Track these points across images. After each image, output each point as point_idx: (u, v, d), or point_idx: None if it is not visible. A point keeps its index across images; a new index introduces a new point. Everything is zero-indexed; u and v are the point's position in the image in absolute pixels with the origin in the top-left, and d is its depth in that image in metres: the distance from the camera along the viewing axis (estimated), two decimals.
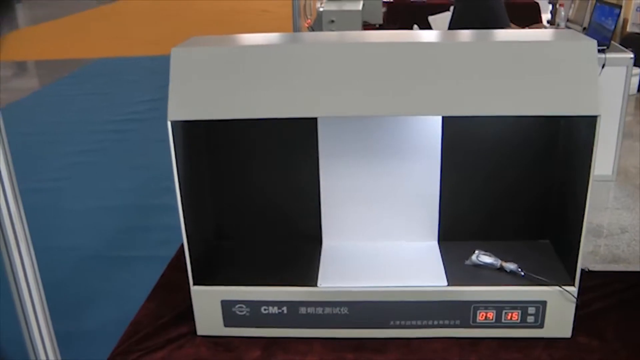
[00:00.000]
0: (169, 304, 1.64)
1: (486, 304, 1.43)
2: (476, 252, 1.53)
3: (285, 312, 1.47)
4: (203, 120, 1.41)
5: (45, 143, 3.70)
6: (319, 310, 1.46)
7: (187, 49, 1.35)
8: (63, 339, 1.39)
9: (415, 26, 3.51)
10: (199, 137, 1.55)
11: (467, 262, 1.52)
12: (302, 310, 1.46)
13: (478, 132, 1.52)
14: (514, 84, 1.28)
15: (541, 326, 1.44)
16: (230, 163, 1.61)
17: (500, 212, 1.60)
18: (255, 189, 1.63)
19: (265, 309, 1.47)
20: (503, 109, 1.28)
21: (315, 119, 1.52)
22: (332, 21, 2.90)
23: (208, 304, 1.48)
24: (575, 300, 1.41)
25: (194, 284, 1.47)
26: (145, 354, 1.47)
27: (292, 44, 1.36)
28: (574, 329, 1.46)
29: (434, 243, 1.62)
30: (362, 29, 5.08)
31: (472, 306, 1.43)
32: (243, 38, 1.45)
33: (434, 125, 1.51)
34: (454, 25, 2.99)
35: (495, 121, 1.46)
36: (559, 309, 1.42)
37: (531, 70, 1.27)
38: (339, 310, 1.45)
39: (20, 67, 7.25)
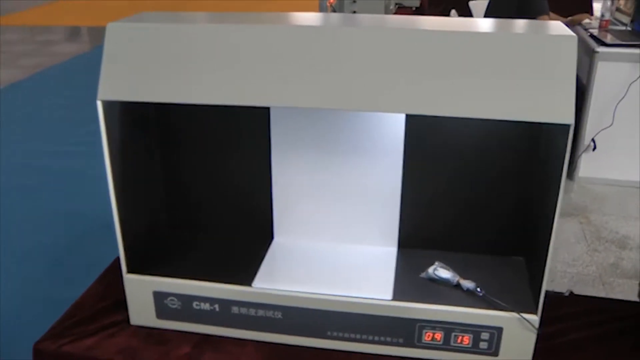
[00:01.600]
0: (115, 288, 1.56)
1: (433, 324, 1.28)
2: (435, 264, 1.37)
3: (217, 309, 1.37)
4: (153, 104, 1.32)
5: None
6: (252, 311, 1.35)
7: (125, 24, 1.25)
8: None
9: (453, 11, 3.30)
10: (147, 120, 1.45)
11: (423, 274, 1.37)
12: (235, 309, 1.36)
13: (445, 132, 1.36)
14: (479, 81, 1.11)
15: (495, 354, 1.28)
16: (183, 150, 1.51)
17: (470, 221, 1.43)
18: (207, 179, 1.53)
19: (197, 305, 1.37)
20: (463, 110, 1.11)
21: (268, 108, 1.39)
22: (354, 1, 2.74)
23: (141, 294, 1.40)
24: (535, 330, 1.24)
25: (127, 271, 1.39)
26: (76, 339, 1.40)
27: (248, 25, 1.22)
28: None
29: (393, 249, 1.47)
30: (394, 11, 4.88)
31: (417, 325, 1.28)
32: (197, 16, 1.33)
33: (396, 123, 1.35)
34: (489, 11, 2.79)
35: (465, 121, 1.29)
36: (517, 337, 1.26)
37: (501, 67, 1.10)
38: (272, 314, 1.34)
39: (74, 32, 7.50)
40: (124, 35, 1.24)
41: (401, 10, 5.32)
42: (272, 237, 1.53)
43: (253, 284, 1.34)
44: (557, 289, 1.51)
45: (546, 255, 1.18)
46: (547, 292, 1.44)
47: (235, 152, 1.48)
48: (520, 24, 1.22)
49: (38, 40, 7.82)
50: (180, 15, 1.34)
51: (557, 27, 1.19)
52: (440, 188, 1.41)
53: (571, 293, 1.52)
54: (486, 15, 3.73)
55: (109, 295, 1.54)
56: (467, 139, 1.36)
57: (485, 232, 1.43)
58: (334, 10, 3.99)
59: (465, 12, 4.38)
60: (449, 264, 1.38)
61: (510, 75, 1.09)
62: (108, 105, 1.26)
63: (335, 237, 1.49)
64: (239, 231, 1.55)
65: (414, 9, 5.19)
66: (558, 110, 1.07)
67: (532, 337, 1.25)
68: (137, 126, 1.41)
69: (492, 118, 1.09)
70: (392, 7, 5.00)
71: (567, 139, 1.07)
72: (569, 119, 1.07)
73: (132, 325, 1.44)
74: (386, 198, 1.42)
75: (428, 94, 1.12)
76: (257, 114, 1.40)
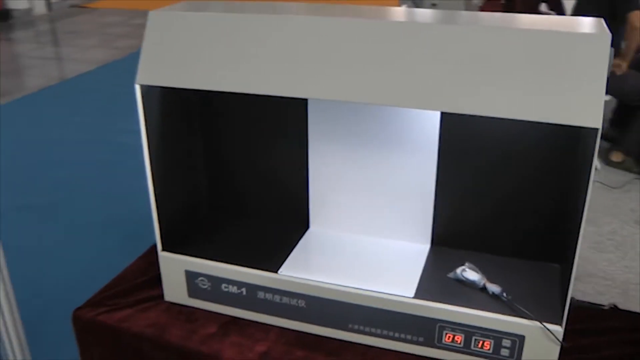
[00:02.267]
0: (156, 265, 1.62)
1: (454, 326, 1.25)
2: (465, 265, 1.34)
3: (244, 293, 1.39)
4: (198, 91, 1.36)
5: None
6: (277, 298, 1.37)
7: (166, 12, 1.29)
8: None
9: (544, 5, 3.19)
10: (190, 105, 1.49)
11: (450, 274, 1.35)
12: (261, 295, 1.38)
13: (480, 131, 1.32)
14: (506, 80, 1.07)
15: None
16: (225, 135, 1.54)
17: (506, 223, 1.39)
18: (247, 166, 1.56)
19: (225, 287, 1.41)
20: (485, 108, 1.08)
21: (306, 99, 1.40)
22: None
23: (174, 272, 1.45)
24: (558, 341, 1.19)
25: (162, 249, 1.44)
26: (111, 310, 1.47)
27: (290, 16, 1.23)
28: None
29: (426, 247, 1.45)
30: (480, 4, 4.72)
31: (438, 325, 1.26)
32: (244, 6, 1.35)
33: (431, 120, 1.33)
34: (579, 5, 2.69)
35: (501, 120, 1.25)
36: (540, 347, 1.21)
37: (530, 66, 1.06)
38: (296, 302, 1.35)
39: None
40: (166, 23, 1.28)
41: (489, 2, 5.17)
42: (307, 227, 1.54)
43: (279, 271, 1.36)
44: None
45: (572, 263, 1.13)
46: (586, 303, 1.38)
47: (276, 140, 1.50)
48: (555, 21, 1.16)
49: (134, 24, 8.16)
50: (223, 4, 1.37)
51: (594, 24, 1.13)
52: (477, 187, 1.38)
53: (614, 307, 1.45)
54: (576, 7, 3.58)
55: (149, 271, 1.60)
56: (505, 138, 1.31)
57: (521, 235, 1.39)
58: (414, 4, 3.94)
59: (556, 5, 4.22)
60: (481, 266, 1.35)
61: (540, 74, 1.05)
62: (147, 89, 1.30)
63: (369, 230, 1.48)
64: (276, 219, 1.57)
65: (503, 1, 5.02)
66: (585, 112, 1.02)
67: (555, 349, 1.20)
68: (178, 110, 1.45)
69: (515, 118, 1.06)
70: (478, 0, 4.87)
71: (594, 142, 1.02)
72: (596, 122, 1.01)
73: (166, 302, 1.50)
74: (420, 195, 1.40)
75: (460, 92, 1.10)
76: (296, 105, 1.42)
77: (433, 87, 1.11)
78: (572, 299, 1.36)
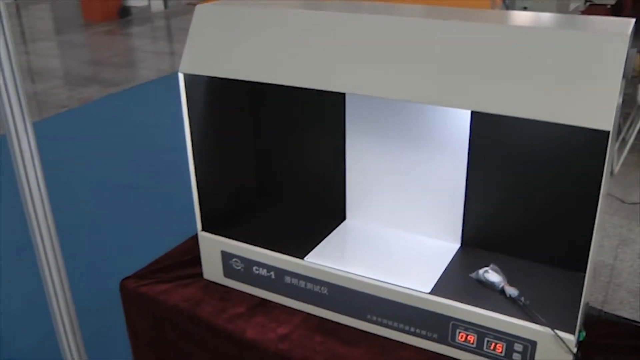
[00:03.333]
0: None
1: (467, 325, 1.25)
2: (489, 267, 1.33)
3: (273, 276, 1.45)
4: (247, 82, 1.44)
5: None
6: (302, 283, 1.42)
7: (212, 6, 1.37)
8: None
9: None
10: (242, 96, 1.57)
11: (472, 274, 1.34)
12: (287, 279, 1.43)
13: (512, 131, 1.30)
14: (521, 79, 1.07)
15: None
16: (269, 122, 1.61)
17: (537, 229, 1.36)
18: (290, 155, 1.62)
19: (256, 269, 1.47)
20: (495, 106, 1.08)
21: (343, 94, 1.44)
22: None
23: (212, 252, 1.53)
24: (571, 351, 1.16)
25: (201, 229, 1.53)
26: (153, 283, 1.58)
27: (329, 12, 1.28)
28: None
29: (455, 246, 1.45)
30: (583, 9, 4.52)
31: (451, 323, 1.26)
32: (286, 2, 1.42)
33: (462, 118, 1.33)
34: None
35: (532, 122, 1.23)
36: (552, 355, 1.19)
37: (547, 65, 1.05)
38: (319, 289, 1.40)
39: None
40: (211, 16, 1.36)
41: (593, 7, 4.97)
42: (344, 218, 1.58)
43: (305, 258, 1.41)
44: None
45: (585, 270, 1.11)
46: (622, 319, 1.34)
47: (316, 132, 1.55)
48: (581, 21, 1.14)
49: None
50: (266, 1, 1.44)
51: (619, 24, 1.09)
52: (509, 189, 1.36)
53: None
54: None
55: (195, 250, 1.69)
56: (538, 140, 1.29)
57: (550, 241, 1.36)
58: (506, 6, 3.86)
59: None
60: (506, 269, 1.34)
61: (554, 73, 1.03)
62: (191, 79, 1.39)
63: (402, 225, 1.50)
64: (315, 209, 1.62)
65: (609, 6, 4.82)
66: (596, 114, 0.99)
67: (567, 358, 1.18)
68: (224, 98, 1.53)
69: (524, 117, 1.05)
70: (580, 4, 4.68)
71: (606, 146, 1.00)
72: (607, 124, 0.99)
73: (205, 280, 1.58)
74: (451, 194, 1.40)
75: (479, 90, 1.10)
76: (336, 99, 1.46)
77: (459, 85, 1.12)
78: (607, 313, 1.33)
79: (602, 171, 1.03)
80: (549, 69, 1.04)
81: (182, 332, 1.51)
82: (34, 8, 10.65)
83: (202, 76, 1.42)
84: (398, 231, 1.51)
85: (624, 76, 1.04)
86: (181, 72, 1.37)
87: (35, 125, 1.66)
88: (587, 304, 1.33)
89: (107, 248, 3.14)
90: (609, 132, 1.00)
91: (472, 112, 1.32)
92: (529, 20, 1.16)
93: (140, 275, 1.62)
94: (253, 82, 1.38)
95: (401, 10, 1.33)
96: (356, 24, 1.22)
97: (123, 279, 1.60)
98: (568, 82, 1.02)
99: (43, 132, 2.49)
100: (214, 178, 1.53)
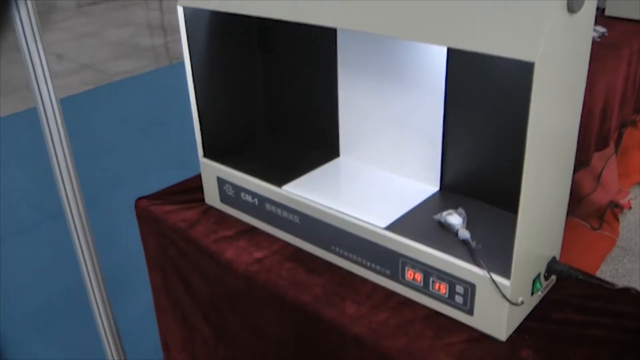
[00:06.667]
0: None
1: (414, 263, 1.23)
2: (456, 210, 1.30)
3: (256, 203, 1.51)
4: (255, 18, 1.47)
5: None
6: (279, 211, 1.46)
7: None
8: None
9: None
10: (249, 31, 1.63)
11: (436, 216, 1.31)
12: (268, 206, 1.48)
13: (490, 72, 1.24)
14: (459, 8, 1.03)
15: (470, 312, 1.19)
16: (275, 62, 1.65)
17: (514, 178, 1.30)
18: (294, 91, 1.65)
19: (244, 196, 1.54)
20: (432, 37, 1.05)
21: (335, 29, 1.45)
22: None
23: (210, 178, 1.61)
24: (504, 296, 1.12)
25: (202, 155, 1.61)
26: (161, 204, 1.69)
27: None
28: (516, 336, 1.17)
29: (433, 189, 1.42)
30: None
31: (401, 259, 1.25)
32: None
33: (438, 56, 1.29)
34: None
35: (511, 62, 1.17)
36: (490, 300, 1.15)
37: None
38: (292, 218, 1.44)
39: None
40: None
41: None
42: (338, 155, 1.60)
43: (283, 187, 1.45)
44: None
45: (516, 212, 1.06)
46: (589, 277, 1.26)
47: (313, 68, 1.57)
48: None
49: None
50: None
51: None
52: (488, 133, 1.31)
53: (635, 291, 1.28)
54: None
55: None
56: (517, 83, 1.22)
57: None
58: None
59: None
60: (475, 215, 1.30)
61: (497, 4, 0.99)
62: (191, 12, 1.46)
63: (390, 166, 1.49)
64: (313, 144, 1.65)
65: None
66: (521, 44, 0.94)
67: (504, 305, 1.13)
68: (224, 33, 1.59)
69: (463, 49, 1.01)
70: None
71: (531, 80, 0.94)
72: (532, 55, 0.93)
73: (207, 205, 1.67)
74: (429, 136, 1.37)
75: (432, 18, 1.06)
76: (329, 34, 1.47)
77: (433, 18, 1.08)
78: (575, 270, 1.26)
79: (527, 107, 0.97)
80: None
81: (179, 250, 1.62)
82: None
83: (200, 9, 1.48)
84: (384, 171, 1.50)
85: (569, 8, 0.97)
86: (179, 5, 1.45)
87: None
88: (553, 258, 1.26)
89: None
90: (533, 63, 0.94)
91: (448, 50, 1.28)
92: None
93: (154, 196, 1.74)
94: (256, 18, 1.41)
95: None
96: None
97: (138, 199, 1.73)
98: (504, 11, 0.97)
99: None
100: (216, 108, 1.61)
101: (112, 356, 1.99)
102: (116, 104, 2.55)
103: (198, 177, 1.79)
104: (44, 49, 1.61)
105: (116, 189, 2.44)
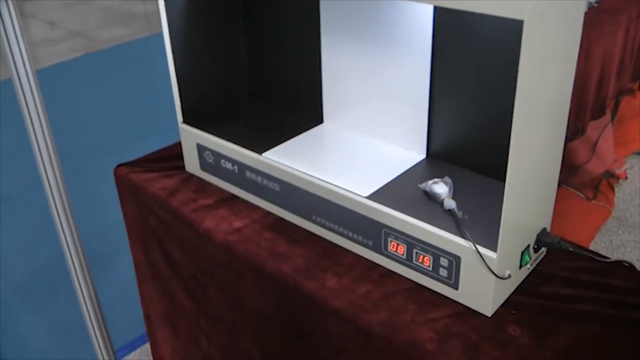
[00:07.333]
0: None
1: (397, 234, 1.18)
2: (443, 179, 1.24)
3: (236, 171, 1.45)
4: None
5: None
6: (259, 179, 1.40)
7: None
8: None
9: None
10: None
11: (421, 185, 1.26)
12: (248, 174, 1.43)
13: (477, 31, 1.18)
14: None
15: (455, 286, 1.14)
16: (259, 28, 1.58)
17: (503, 145, 1.24)
18: (277, 56, 1.58)
19: (224, 163, 1.48)
20: None
21: None
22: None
23: (190, 145, 1.55)
24: (491, 270, 1.07)
25: (182, 122, 1.55)
26: (141, 171, 1.63)
27: None
28: (503, 311, 1.12)
29: (419, 157, 1.36)
30: None
31: (383, 230, 1.20)
32: None
33: (424, 16, 1.22)
34: None
35: (503, 22, 1.10)
36: (476, 274, 1.10)
37: None
38: (272, 186, 1.38)
39: None
40: None
41: None
42: (322, 121, 1.54)
43: (263, 154, 1.39)
44: None
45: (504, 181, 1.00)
46: (579, 249, 1.21)
47: (296, 33, 1.50)
48: None
49: None
50: None
51: None
52: (476, 99, 1.25)
53: (628, 264, 1.23)
54: None
55: None
56: (508, 43, 1.16)
57: None
58: None
59: None
60: (463, 184, 1.24)
61: None
62: None
63: (375, 133, 1.43)
64: (297, 110, 1.58)
65: None
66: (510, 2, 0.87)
67: (490, 279, 1.08)
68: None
69: (452, 8, 0.94)
70: None
71: (520, 39, 0.87)
72: (521, 12, 0.86)
73: (188, 173, 1.61)
74: (415, 101, 1.31)
75: None
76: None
77: None
78: (565, 242, 1.20)
79: (516, 68, 0.90)
80: None
81: (159, 220, 1.57)
82: None
83: None
84: (368, 138, 1.44)
85: None
86: None
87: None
88: (544, 229, 1.21)
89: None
90: (523, 21, 0.87)
91: (434, 9, 1.21)
92: None
93: (134, 163, 1.68)
94: None
95: None
96: None
97: (117, 166, 1.67)
98: None
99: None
100: (197, 74, 1.54)
101: (94, 329, 1.95)
102: (105, 71, 2.48)
103: (178, 146, 1.73)
104: (19, 20, 1.53)
105: (100, 157, 2.38)
